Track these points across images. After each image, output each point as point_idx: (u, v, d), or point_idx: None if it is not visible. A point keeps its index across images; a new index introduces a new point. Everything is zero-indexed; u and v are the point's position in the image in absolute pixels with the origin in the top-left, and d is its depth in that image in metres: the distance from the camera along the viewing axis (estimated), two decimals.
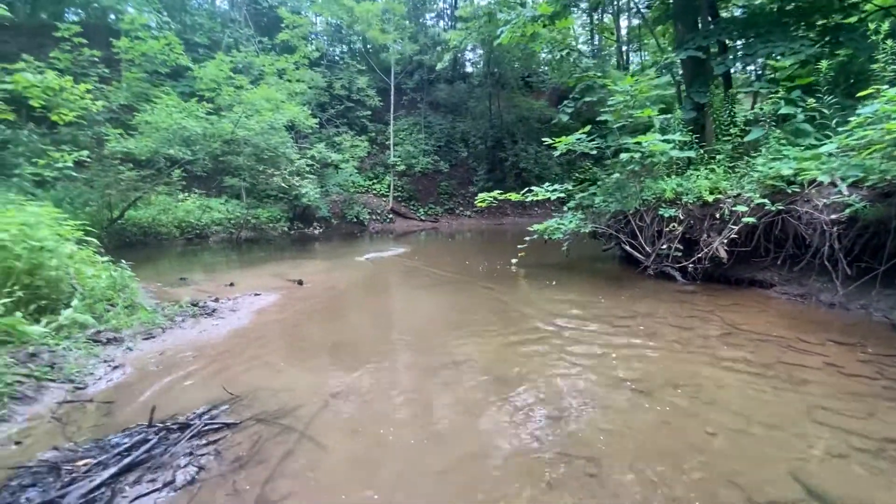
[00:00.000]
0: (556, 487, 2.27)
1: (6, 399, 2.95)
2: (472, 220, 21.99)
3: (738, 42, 8.87)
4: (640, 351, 4.21)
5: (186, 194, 15.05)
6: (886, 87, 4.69)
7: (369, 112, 22.88)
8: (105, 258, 5.75)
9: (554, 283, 7.32)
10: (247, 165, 13.93)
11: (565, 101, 9.81)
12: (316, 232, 17.14)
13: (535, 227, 8.41)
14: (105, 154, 11.06)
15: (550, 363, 3.95)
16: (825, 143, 5.56)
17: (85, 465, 2.27)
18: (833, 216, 5.34)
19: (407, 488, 2.28)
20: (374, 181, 21.93)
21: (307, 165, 15.57)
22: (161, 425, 2.68)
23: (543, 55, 22.36)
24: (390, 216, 20.49)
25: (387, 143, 22.44)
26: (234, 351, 4.29)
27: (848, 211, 5.13)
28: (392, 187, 21.24)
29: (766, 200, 5.83)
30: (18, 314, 4.00)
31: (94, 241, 5.73)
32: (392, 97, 21.86)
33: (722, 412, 3.04)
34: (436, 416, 3.07)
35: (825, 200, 5.47)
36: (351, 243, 14.63)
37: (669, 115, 7.60)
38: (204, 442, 2.58)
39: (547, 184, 8.23)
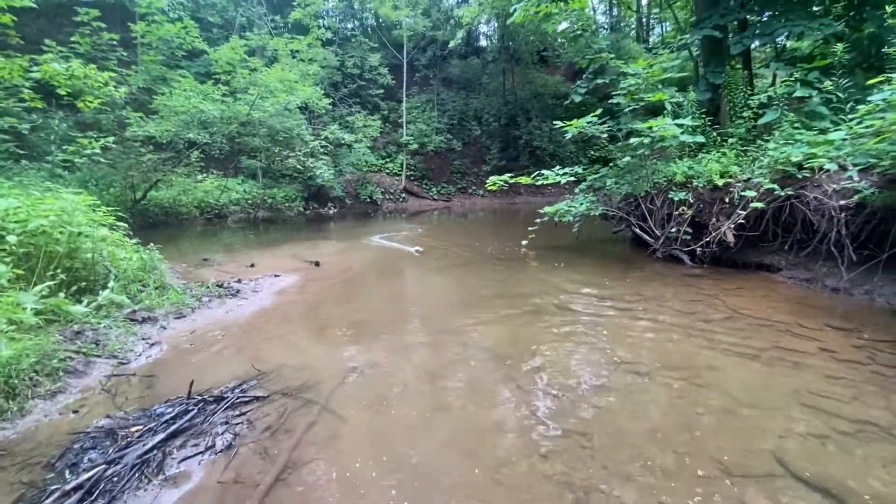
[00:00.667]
0: (550, 458, 2.53)
1: (61, 373, 3.31)
2: (485, 199, 22.04)
3: (764, 17, 8.61)
4: (642, 334, 4.40)
5: (205, 175, 15.42)
6: None
7: (382, 90, 22.79)
8: (134, 240, 6.11)
9: (563, 264, 7.49)
10: (262, 147, 14.17)
11: (579, 81, 9.73)
12: (331, 212, 17.45)
13: (546, 209, 8.51)
14: (126, 137, 11.40)
15: (554, 343, 4.18)
16: (836, 129, 5.52)
17: (137, 431, 2.60)
18: (842, 202, 5.37)
19: (416, 455, 2.56)
20: (387, 160, 22.02)
21: (321, 147, 15.75)
22: (199, 398, 3.00)
23: (560, 28, 21.80)
24: (403, 195, 20.66)
25: (399, 121, 22.41)
26: (258, 330, 4.61)
27: (857, 197, 5.16)
28: (404, 166, 21.33)
29: (775, 185, 5.85)
30: (61, 295, 4.36)
31: (124, 224, 6.06)
32: (405, 74, 21.69)
33: (713, 393, 3.24)
34: (445, 391, 3.34)
35: (835, 186, 5.49)
36: (365, 223, 14.90)
37: (682, 98, 7.52)
38: (237, 413, 2.90)
39: (557, 167, 8.28)
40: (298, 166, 15.11)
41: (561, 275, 6.82)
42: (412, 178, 21.68)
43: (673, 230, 7.17)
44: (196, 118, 11.85)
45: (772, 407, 3.05)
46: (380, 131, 21.20)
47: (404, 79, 21.76)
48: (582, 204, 8.30)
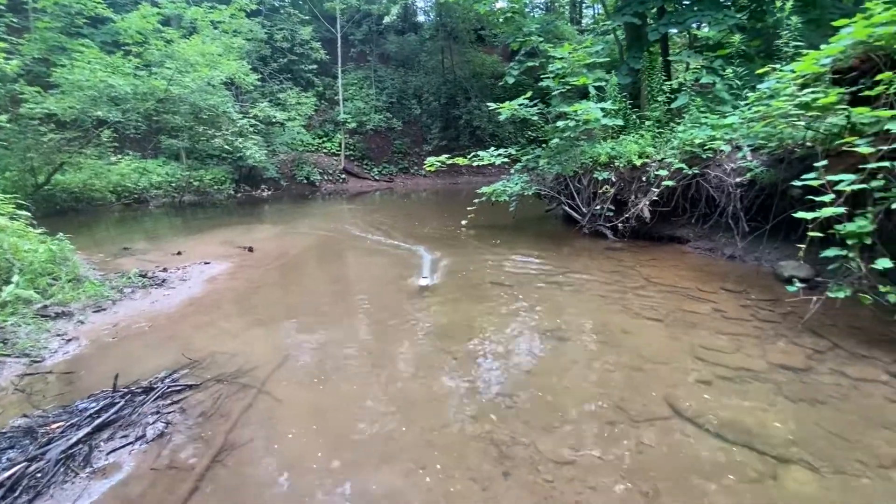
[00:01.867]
0: (478, 419, 2.77)
1: None
2: (428, 179, 22.04)
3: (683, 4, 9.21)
4: (567, 303, 4.79)
5: (120, 157, 14.13)
6: (782, 64, 5.26)
7: (315, 66, 21.80)
8: (39, 230, 5.59)
9: (499, 242, 7.81)
10: (184, 125, 13.19)
11: (512, 63, 9.96)
12: (264, 194, 16.70)
13: (483, 189, 8.77)
14: (22, 114, 10.15)
15: (488, 316, 4.45)
16: (732, 114, 6.17)
17: (59, 426, 2.50)
18: (737, 179, 6.05)
19: (352, 427, 2.70)
20: (324, 139, 21.30)
21: (250, 125, 14.91)
22: (126, 390, 2.92)
23: (496, 5, 21.89)
24: (343, 176, 20.17)
25: (335, 98, 21.66)
26: (188, 319, 4.46)
27: (749, 175, 5.83)
28: (343, 146, 20.76)
29: (684, 165, 6.45)
30: None
31: (26, 213, 5.52)
32: (339, 49, 20.89)
33: (623, 353, 3.64)
34: (381, 367, 3.48)
35: (732, 165, 6.17)
36: (302, 205, 14.45)
37: (606, 82, 7.97)
38: (168, 402, 2.86)
39: (492, 148, 8.52)
40: (226, 146, 14.24)
41: (497, 252, 7.13)
42: (352, 158, 21.18)
43: (598, 207, 7.70)
44: (105, 94, 10.76)
45: (670, 361, 3.50)
46: (315, 109, 20.40)
47: (339, 54, 20.96)
48: (517, 184, 8.63)
